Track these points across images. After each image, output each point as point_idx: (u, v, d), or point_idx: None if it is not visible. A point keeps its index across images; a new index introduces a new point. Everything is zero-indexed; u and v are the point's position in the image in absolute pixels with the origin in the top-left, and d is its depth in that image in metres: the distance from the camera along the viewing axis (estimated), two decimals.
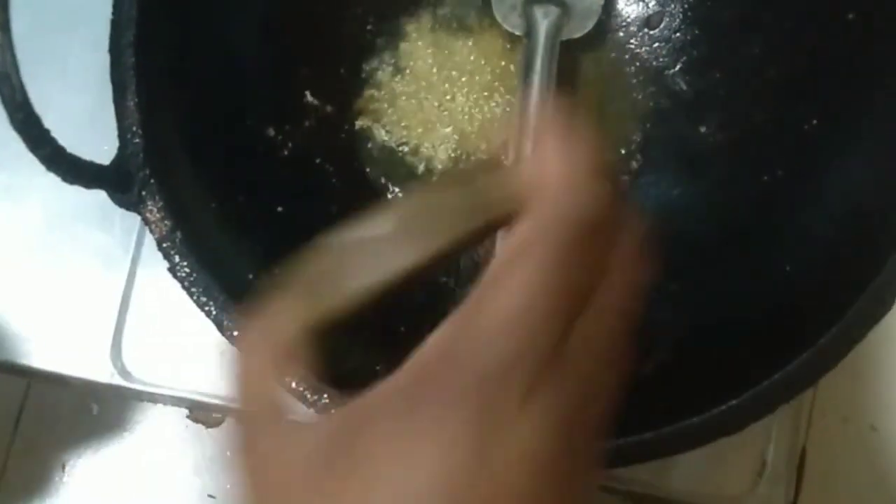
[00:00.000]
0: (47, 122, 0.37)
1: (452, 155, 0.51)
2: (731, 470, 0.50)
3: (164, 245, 0.40)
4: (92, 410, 0.63)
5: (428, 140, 0.51)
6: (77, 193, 0.42)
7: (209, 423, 0.60)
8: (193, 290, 0.40)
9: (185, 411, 0.60)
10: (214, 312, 0.39)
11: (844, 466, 0.64)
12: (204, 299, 0.39)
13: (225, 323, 0.39)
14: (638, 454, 0.39)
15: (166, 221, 0.40)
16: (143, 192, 0.40)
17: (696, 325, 0.45)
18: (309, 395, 0.39)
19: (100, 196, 0.41)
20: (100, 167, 0.39)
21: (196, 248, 0.40)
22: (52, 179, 0.39)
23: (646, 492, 0.51)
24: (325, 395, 0.39)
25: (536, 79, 0.45)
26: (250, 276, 0.42)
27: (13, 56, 0.35)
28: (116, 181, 0.40)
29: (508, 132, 0.49)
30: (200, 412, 0.58)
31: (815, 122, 0.45)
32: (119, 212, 0.42)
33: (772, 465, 0.50)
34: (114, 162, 0.40)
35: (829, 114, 0.45)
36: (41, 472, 0.62)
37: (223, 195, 0.43)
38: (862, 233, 0.42)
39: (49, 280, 0.51)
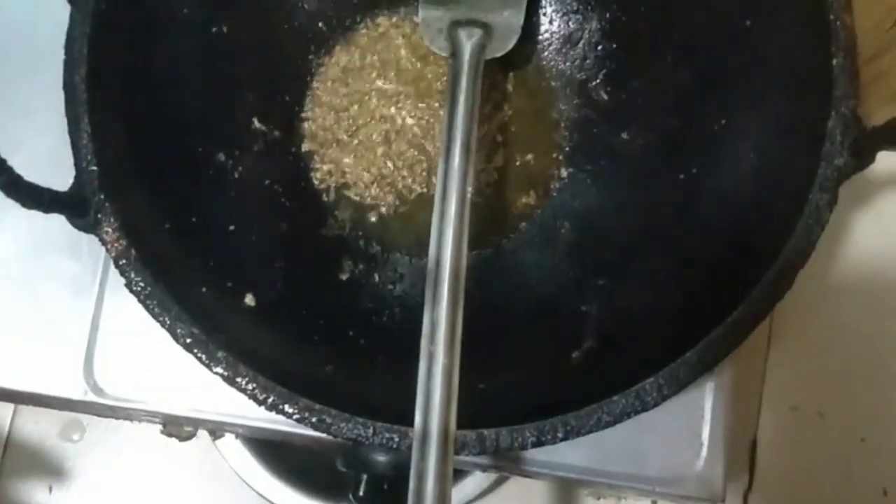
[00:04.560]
0: (16, 160, 0.41)
1: (388, 170, 0.55)
2: (672, 452, 0.52)
3: (121, 262, 0.43)
4: (75, 435, 0.66)
5: (367, 159, 0.55)
6: (46, 224, 0.46)
7: (182, 437, 0.63)
8: (148, 302, 0.43)
9: (161, 430, 0.63)
10: (168, 322, 0.43)
11: (795, 453, 0.67)
12: (158, 311, 0.43)
13: (178, 331, 0.43)
14: (562, 432, 0.42)
15: (121, 241, 0.43)
16: (99, 215, 0.43)
17: (620, 314, 0.48)
18: (259, 394, 0.42)
19: (67, 226, 0.45)
20: (57, 193, 0.43)
21: (150, 265, 0.43)
22: (21, 212, 0.42)
23: (595, 479, 0.54)
24: (274, 395, 0.42)
25: (462, 96, 0.48)
26: (203, 290, 0.46)
27: None
28: (74, 206, 0.43)
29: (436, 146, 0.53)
30: (173, 426, 0.61)
31: (723, 121, 0.49)
32: (86, 240, 0.45)
33: (708, 446, 0.52)
34: (71, 188, 0.43)
35: (733, 114, 0.48)
36: (29, 495, 0.65)
37: (176, 216, 0.47)
38: (763, 218, 0.45)
39: (22, 306, 0.54)
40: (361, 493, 0.55)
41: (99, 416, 0.56)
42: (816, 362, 0.67)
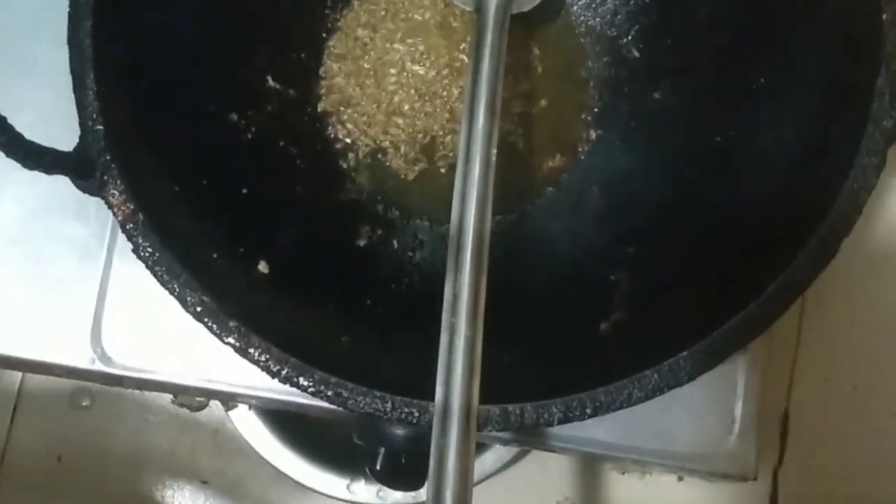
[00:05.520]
0: (19, 120, 0.39)
1: (410, 132, 0.53)
2: (703, 429, 0.51)
3: (127, 227, 0.41)
4: (84, 403, 0.65)
5: (386, 119, 0.53)
6: (52, 187, 0.44)
7: (193, 407, 0.61)
8: (157, 268, 0.41)
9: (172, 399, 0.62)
10: (177, 290, 0.41)
11: (827, 425, 0.65)
12: (167, 277, 0.41)
13: (188, 299, 0.41)
14: (591, 408, 0.40)
15: (128, 204, 0.41)
16: (105, 177, 0.41)
17: (651, 284, 0.46)
18: (272, 366, 0.41)
19: (74, 188, 0.43)
20: (61, 153, 0.41)
21: (159, 229, 0.41)
22: (26, 174, 0.40)
23: (621, 455, 0.52)
24: (288, 366, 0.41)
25: (487, 54, 0.46)
26: (214, 256, 0.44)
27: None
28: (78, 167, 0.41)
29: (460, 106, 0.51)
30: (184, 396, 0.60)
31: (762, 80, 0.46)
32: (94, 203, 0.43)
33: (741, 422, 0.50)
34: (76, 149, 0.41)
35: (775, 72, 0.46)
36: (37, 465, 0.63)
37: (186, 179, 0.44)
38: (805, 183, 0.43)
39: (28, 272, 0.52)
40: (378, 467, 0.53)
41: (107, 385, 0.54)
42: (851, 333, 0.65)
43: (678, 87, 0.50)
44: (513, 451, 0.61)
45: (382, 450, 0.52)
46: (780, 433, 0.64)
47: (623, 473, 0.65)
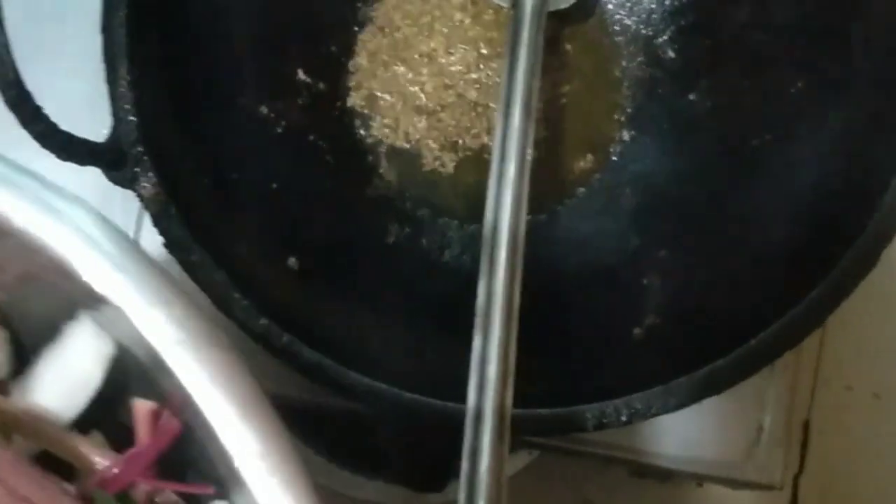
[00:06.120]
0: (48, 109, 0.38)
1: (440, 128, 0.52)
2: (729, 437, 0.50)
3: (159, 220, 0.41)
4: None
5: (416, 114, 0.52)
6: (77, 176, 0.43)
7: None
8: (188, 264, 0.40)
9: None
10: (210, 286, 0.40)
11: (849, 435, 0.64)
12: (199, 273, 0.40)
13: (221, 296, 0.40)
14: (626, 415, 0.39)
15: (160, 197, 0.41)
16: (137, 169, 0.41)
17: (685, 288, 0.46)
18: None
19: (99, 179, 0.42)
20: (94, 144, 0.40)
21: (190, 223, 0.41)
22: (51, 163, 0.40)
23: (644, 461, 0.52)
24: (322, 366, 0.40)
25: (523, 51, 0.45)
26: (245, 250, 0.43)
27: (3, 34, 0.36)
28: (111, 158, 0.41)
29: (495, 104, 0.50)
30: None
31: (800, 84, 0.46)
32: (119, 194, 0.43)
33: (769, 431, 0.50)
34: (108, 140, 0.41)
35: (814, 75, 0.45)
36: None
37: (217, 172, 0.44)
38: (844, 191, 0.42)
39: None
40: (403, 468, 0.52)
41: None
42: (873, 341, 0.65)
43: (714, 90, 0.49)
44: (534, 453, 0.61)
45: (407, 450, 0.52)
46: (802, 441, 0.64)
47: (641, 477, 0.64)
